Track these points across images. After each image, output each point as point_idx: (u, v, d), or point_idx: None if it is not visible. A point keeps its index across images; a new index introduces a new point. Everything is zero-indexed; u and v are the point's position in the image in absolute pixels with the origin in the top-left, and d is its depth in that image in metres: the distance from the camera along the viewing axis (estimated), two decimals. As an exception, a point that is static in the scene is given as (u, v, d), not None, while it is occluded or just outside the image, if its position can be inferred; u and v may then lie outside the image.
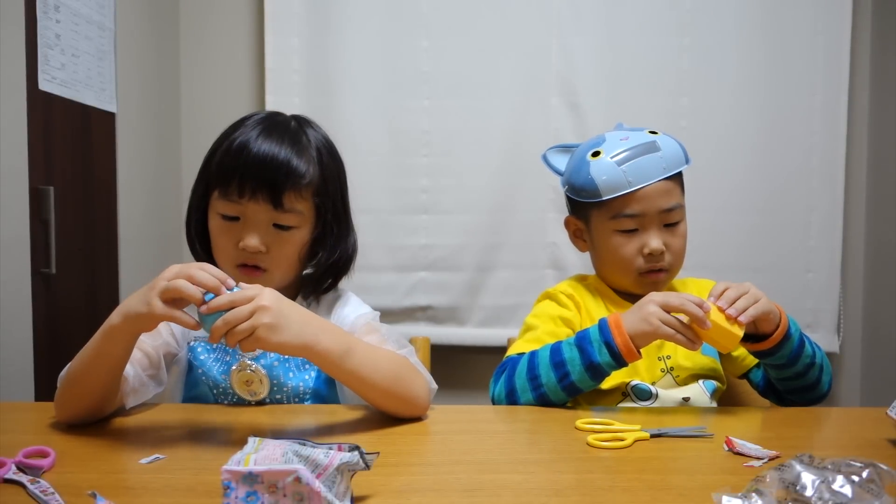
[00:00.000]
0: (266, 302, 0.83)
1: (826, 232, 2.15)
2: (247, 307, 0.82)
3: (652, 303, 1.03)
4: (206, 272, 0.82)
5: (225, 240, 1.04)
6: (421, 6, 2.12)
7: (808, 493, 0.60)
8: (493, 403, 1.11)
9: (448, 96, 2.13)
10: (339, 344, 0.90)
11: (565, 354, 1.06)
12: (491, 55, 2.12)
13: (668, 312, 1.02)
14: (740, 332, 1.00)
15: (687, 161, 1.21)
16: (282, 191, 1.01)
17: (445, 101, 2.13)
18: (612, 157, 1.17)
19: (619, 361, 1.04)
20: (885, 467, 0.62)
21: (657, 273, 1.19)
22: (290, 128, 1.07)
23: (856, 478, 0.61)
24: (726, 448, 0.86)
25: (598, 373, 1.05)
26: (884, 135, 2.14)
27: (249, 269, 1.04)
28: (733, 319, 1.00)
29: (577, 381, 1.05)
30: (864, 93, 2.19)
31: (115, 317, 0.85)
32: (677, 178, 1.21)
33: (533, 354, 1.10)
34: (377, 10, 2.12)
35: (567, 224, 1.30)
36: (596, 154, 1.19)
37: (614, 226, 1.19)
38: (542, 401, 1.07)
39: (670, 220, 1.19)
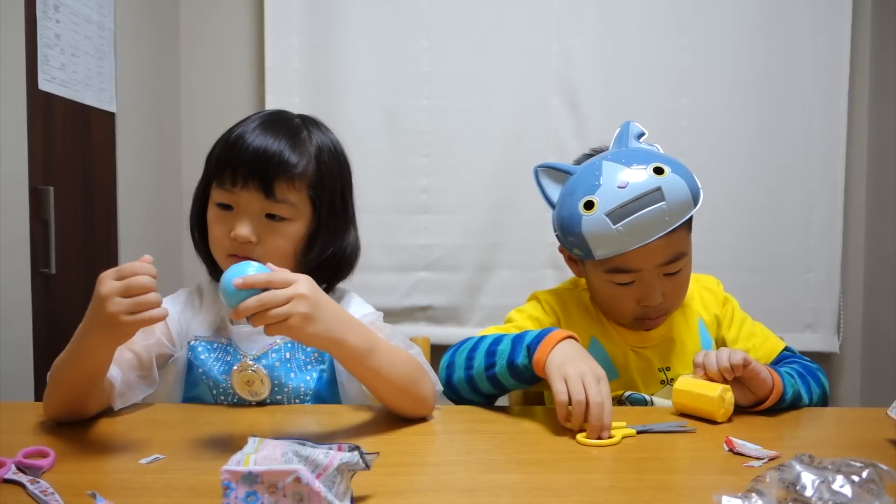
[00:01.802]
0: (304, 290, 0.82)
1: (826, 232, 2.15)
2: (285, 292, 0.80)
3: (574, 367, 0.93)
4: (144, 274, 0.79)
5: (218, 228, 1.04)
6: (421, 6, 2.12)
7: (808, 493, 0.60)
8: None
9: (448, 96, 2.13)
10: (364, 341, 0.90)
11: (500, 345, 1.03)
12: (491, 55, 2.12)
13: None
14: (714, 393, 0.95)
15: (696, 202, 1.07)
16: (272, 179, 1.00)
17: (445, 101, 2.13)
18: (606, 213, 1.03)
19: (531, 366, 0.98)
20: (885, 467, 0.62)
21: (653, 320, 1.14)
22: (292, 124, 1.07)
23: (856, 478, 0.61)
24: (726, 448, 0.85)
25: (517, 374, 1.01)
26: (884, 135, 2.14)
27: (240, 260, 1.03)
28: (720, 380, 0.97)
29: (498, 373, 1.02)
30: (864, 93, 2.19)
31: (91, 332, 0.83)
32: (685, 222, 1.07)
33: (482, 338, 1.08)
34: (377, 10, 2.12)
35: (561, 250, 1.21)
36: (589, 206, 1.04)
37: (609, 277, 1.10)
38: (471, 384, 1.05)
39: (671, 271, 1.09)
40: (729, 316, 1.23)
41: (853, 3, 2.11)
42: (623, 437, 0.89)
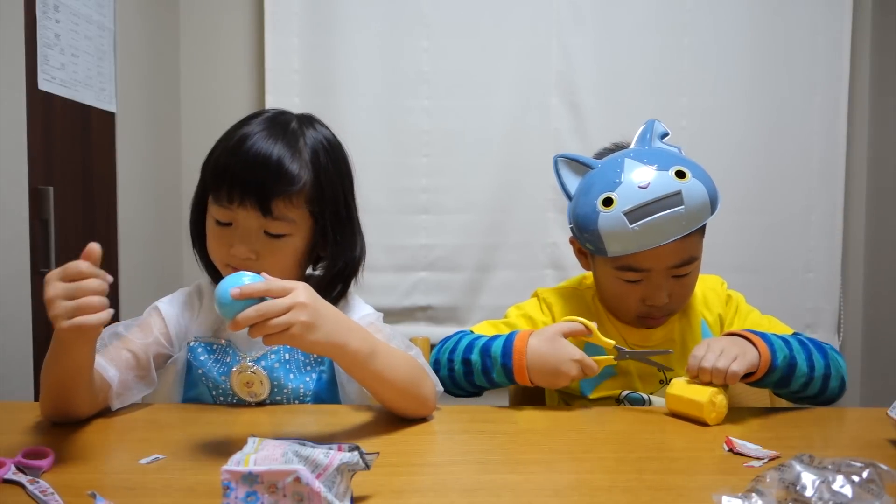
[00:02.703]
0: (304, 298, 0.81)
1: (826, 232, 2.16)
2: (284, 301, 0.79)
3: (572, 361, 1.02)
4: (91, 277, 0.78)
5: (217, 244, 1.03)
6: (421, 6, 2.12)
7: (808, 493, 0.60)
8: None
9: (448, 96, 2.13)
10: (365, 345, 0.89)
11: (473, 355, 1.08)
12: (491, 55, 2.12)
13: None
14: (704, 399, 0.95)
15: (714, 209, 1.07)
16: (270, 198, 0.98)
17: (445, 101, 2.13)
18: (625, 212, 1.03)
19: (515, 382, 1.06)
20: (885, 467, 0.62)
21: (657, 319, 1.15)
22: (289, 130, 1.04)
23: (856, 478, 0.61)
24: (726, 448, 0.85)
25: (494, 383, 1.08)
26: (884, 135, 2.14)
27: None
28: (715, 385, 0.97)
29: (476, 381, 1.09)
30: (864, 93, 2.19)
31: (66, 339, 0.83)
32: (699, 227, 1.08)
33: (460, 338, 1.12)
34: (377, 10, 2.12)
35: (572, 242, 1.22)
36: (608, 202, 1.05)
37: (618, 274, 1.11)
38: (453, 382, 1.10)
39: (680, 273, 1.10)
40: (732, 312, 1.22)
41: (853, 3, 2.11)
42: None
